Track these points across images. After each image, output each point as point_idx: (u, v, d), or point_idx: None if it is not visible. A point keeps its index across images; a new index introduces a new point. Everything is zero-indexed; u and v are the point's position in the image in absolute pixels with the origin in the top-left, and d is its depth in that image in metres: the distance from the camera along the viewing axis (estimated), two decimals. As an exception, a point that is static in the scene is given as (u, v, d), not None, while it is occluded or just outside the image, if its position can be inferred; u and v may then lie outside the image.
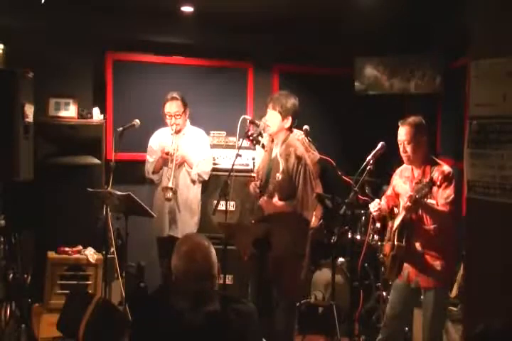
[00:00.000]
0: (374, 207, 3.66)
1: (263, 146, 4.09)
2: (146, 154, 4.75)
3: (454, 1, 4.50)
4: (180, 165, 4.57)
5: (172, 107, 4.57)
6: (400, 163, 3.72)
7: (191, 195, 4.66)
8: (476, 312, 3.22)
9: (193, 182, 4.66)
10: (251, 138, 3.96)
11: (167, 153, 4.52)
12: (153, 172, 4.67)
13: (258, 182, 3.98)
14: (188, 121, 4.72)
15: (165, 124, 4.69)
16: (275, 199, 3.85)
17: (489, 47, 3.19)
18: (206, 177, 4.71)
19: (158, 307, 2.19)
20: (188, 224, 4.63)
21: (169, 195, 4.41)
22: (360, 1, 4.46)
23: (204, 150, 4.75)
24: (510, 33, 3.04)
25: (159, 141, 4.72)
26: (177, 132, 4.61)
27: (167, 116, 4.59)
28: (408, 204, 3.36)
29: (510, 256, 3.04)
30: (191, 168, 4.63)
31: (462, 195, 3.83)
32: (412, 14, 4.83)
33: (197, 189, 4.71)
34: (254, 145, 4.14)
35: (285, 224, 3.84)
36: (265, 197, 3.87)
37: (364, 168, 3.67)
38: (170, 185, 4.41)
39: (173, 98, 4.58)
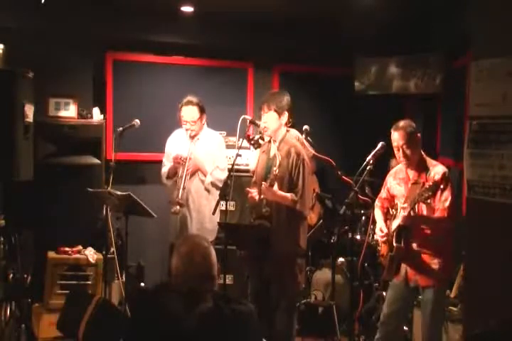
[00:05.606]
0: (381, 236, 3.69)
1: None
2: (163, 157, 4.60)
3: (454, 1, 4.50)
4: (193, 173, 4.41)
5: (186, 113, 4.39)
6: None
7: (204, 203, 4.44)
8: (476, 312, 3.22)
9: (207, 190, 4.45)
10: (252, 141, 3.94)
11: (178, 162, 4.35)
12: (168, 178, 4.51)
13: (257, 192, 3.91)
14: (205, 124, 4.55)
15: (175, 125, 4.58)
16: (275, 187, 3.79)
17: (489, 47, 3.19)
18: (221, 185, 4.33)
19: (153, 307, 2.19)
20: (201, 232, 4.35)
21: (176, 208, 4.24)
22: (360, 1, 4.46)
23: (219, 157, 4.53)
24: (510, 33, 3.04)
25: (174, 144, 4.55)
26: (192, 137, 4.46)
27: (182, 121, 4.43)
28: (405, 213, 3.40)
29: (510, 256, 3.04)
30: (205, 176, 4.43)
31: (462, 195, 3.83)
32: (412, 14, 4.83)
33: (212, 197, 4.43)
34: (256, 148, 4.09)
35: (285, 221, 3.84)
36: (266, 183, 3.77)
37: (364, 168, 3.67)
38: (179, 197, 4.22)
39: (188, 102, 4.39)
